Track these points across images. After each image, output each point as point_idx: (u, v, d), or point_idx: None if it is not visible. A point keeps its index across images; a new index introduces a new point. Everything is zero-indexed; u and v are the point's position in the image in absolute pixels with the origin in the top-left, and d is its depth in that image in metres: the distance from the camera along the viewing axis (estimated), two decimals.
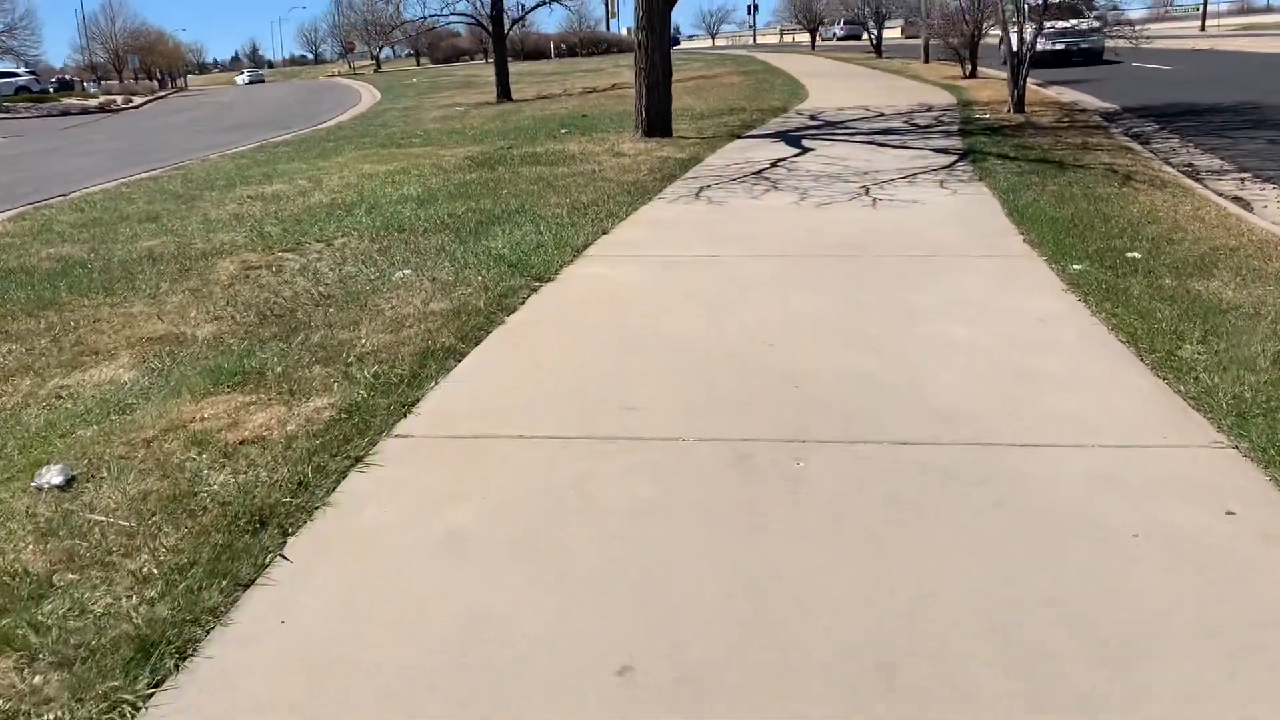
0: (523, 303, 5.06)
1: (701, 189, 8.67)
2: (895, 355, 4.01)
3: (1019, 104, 13.93)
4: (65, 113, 37.47)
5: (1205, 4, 49.82)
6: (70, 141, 22.62)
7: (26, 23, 55.80)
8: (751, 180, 9.06)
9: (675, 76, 13.47)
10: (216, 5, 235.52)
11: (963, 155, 10.06)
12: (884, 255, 5.87)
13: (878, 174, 9.06)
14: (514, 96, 24.68)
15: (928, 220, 6.89)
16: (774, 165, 9.98)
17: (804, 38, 59.08)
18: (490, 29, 26.01)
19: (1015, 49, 13.71)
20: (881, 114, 15.06)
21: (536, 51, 58.67)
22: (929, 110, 15.30)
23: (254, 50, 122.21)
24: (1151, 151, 10.32)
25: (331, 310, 5.00)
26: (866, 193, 8.11)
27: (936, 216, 7.02)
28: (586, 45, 61.52)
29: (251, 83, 65.14)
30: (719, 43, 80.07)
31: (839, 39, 58.73)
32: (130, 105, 43.67)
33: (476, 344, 4.38)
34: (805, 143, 11.84)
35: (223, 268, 6.29)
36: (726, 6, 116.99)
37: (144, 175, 13.14)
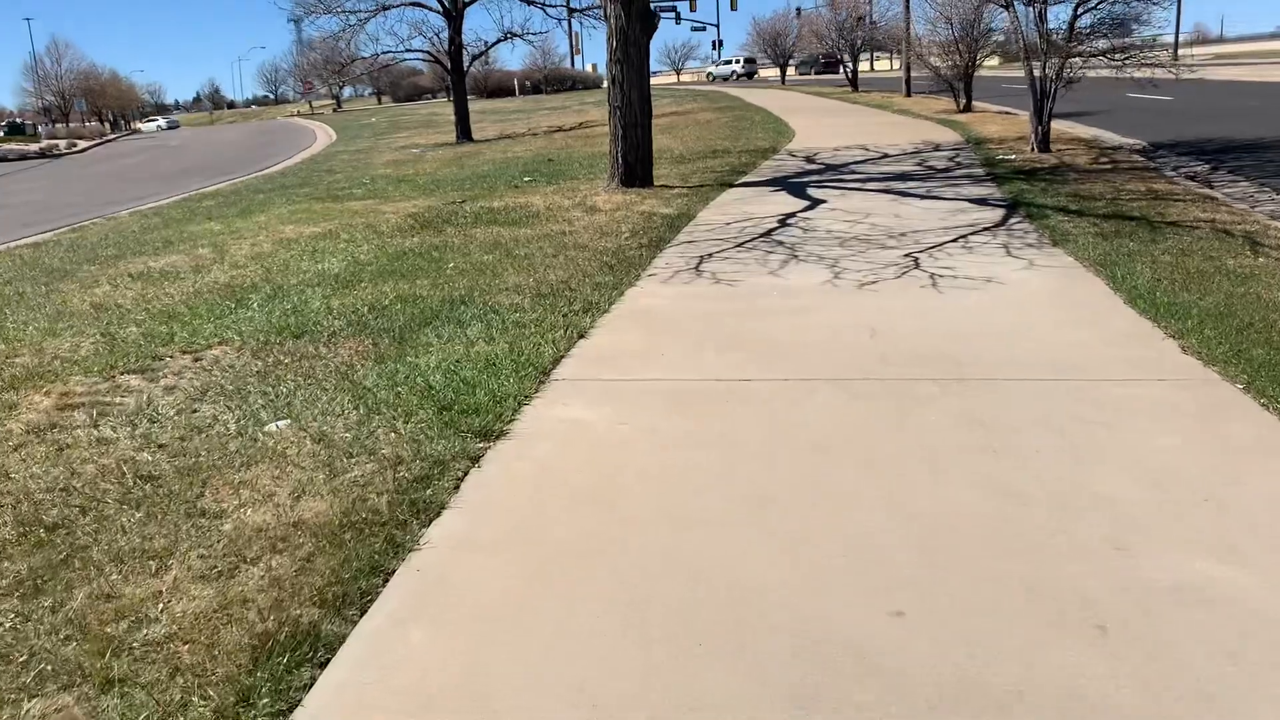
0: (455, 492, 3.13)
1: (701, 260, 6.82)
2: (1146, 652, 2.12)
3: (1044, 142, 12.28)
4: (3, 159, 35.29)
5: (1178, 34, 49.52)
6: None
7: None
8: (763, 246, 7.22)
9: None
10: (176, 46, 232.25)
11: (1010, 208, 8.30)
12: (996, 379, 4.01)
13: (917, 235, 7.27)
14: (475, 137, 22.87)
15: (1021, 312, 5.07)
16: (783, 224, 8.17)
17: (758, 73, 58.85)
18: (449, 66, 24.22)
19: (1039, 80, 12.07)
20: (886, 155, 13.36)
21: (500, 89, 56.79)
22: (937, 150, 13.63)
23: (215, 91, 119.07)
24: (1228, 197, 8.64)
25: (139, 516, 3.04)
26: (916, 264, 6.29)
27: (1029, 305, 5.20)
28: (552, 82, 59.76)
29: (168, 128, 61.26)
30: (684, 78, 78.95)
31: (739, 75, 58.58)
32: (74, 149, 41.39)
33: (362, 614, 2.44)
34: (811, 192, 10.05)
35: (27, 406, 4.30)
36: (691, 42, 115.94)
37: (32, 239, 11.06)
